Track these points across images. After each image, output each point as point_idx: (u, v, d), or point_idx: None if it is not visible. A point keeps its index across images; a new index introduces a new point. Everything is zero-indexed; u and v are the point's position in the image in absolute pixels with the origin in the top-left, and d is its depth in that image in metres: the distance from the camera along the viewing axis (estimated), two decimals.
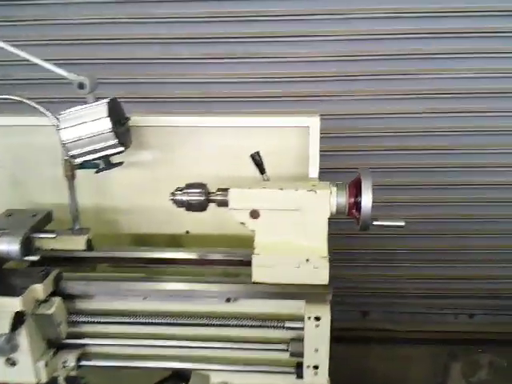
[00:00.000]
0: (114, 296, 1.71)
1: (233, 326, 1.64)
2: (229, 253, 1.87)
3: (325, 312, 1.57)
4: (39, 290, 1.57)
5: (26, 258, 1.57)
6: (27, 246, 1.58)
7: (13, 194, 2.23)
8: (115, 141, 1.82)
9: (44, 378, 1.61)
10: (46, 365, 1.62)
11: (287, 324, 1.62)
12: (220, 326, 1.65)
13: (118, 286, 1.70)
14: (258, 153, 1.79)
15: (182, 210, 1.71)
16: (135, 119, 1.99)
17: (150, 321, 1.68)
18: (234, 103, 3.21)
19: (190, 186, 1.68)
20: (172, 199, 1.69)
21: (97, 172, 1.95)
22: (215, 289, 1.66)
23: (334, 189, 1.62)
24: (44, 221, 1.97)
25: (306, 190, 1.60)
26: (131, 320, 1.69)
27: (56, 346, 1.69)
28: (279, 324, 1.63)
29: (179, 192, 1.68)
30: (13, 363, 1.57)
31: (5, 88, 1.80)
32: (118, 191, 2.24)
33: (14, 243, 1.53)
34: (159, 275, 1.83)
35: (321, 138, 2.00)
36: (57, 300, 1.61)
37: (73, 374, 1.71)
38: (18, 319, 1.47)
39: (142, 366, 1.73)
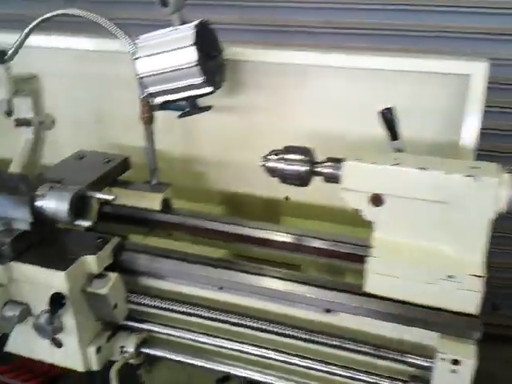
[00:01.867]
0: (183, 280, 1.35)
1: (329, 345, 1.20)
2: (335, 240, 1.40)
3: (467, 354, 1.07)
4: (92, 262, 1.26)
5: (77, 223, 1.25)
6: (81, 206, 1.25)
7: (90, 132, 1.94)
8: (201, 78, 1.40)
9: (95, 365, 1.33)
10: (99, 350, 1.33)
11: (408, 358, 1.15)
12: (313, 341, 1.22)
13: (189, 270, 1.33)
14: (390, 109, 1.26)
15: None
16: (233, 51, 1.54)
17: (224, 318, 1.31)
18: (363, 37, 2.59)
19: (289, 149, 1.22)
20: (263, 165, 1.24)
21: (180, 116, 1.55)
22: (312, 294, 1.22)
23: (507, 176, 1.06)
24: (119, 169, 1.66)
25: (463, 175, 1.06)
26: (202, 313, 1.33)
27: (113, 327, 1.39)
28: (396, 356, 1.16)
29: (274, 157, 1.23)
30: (59, 344, 1.30)
31: (83, 7, 1.40)
32: (206, 141, 1.84)
33: (63, 201, 1.21)
34: (244, 258, 1.45)
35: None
36: (113, 277, 1.29)
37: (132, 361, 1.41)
38: (57, 301, 1.17)
39: (212, 368, 1.37)
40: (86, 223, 1.24)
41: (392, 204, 1.12)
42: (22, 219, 1.24)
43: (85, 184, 1.46)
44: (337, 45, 2.59)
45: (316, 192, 1.67)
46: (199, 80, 1.40)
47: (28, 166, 1.53)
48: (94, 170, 1.59)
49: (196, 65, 1.37)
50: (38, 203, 1.23)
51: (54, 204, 1.22)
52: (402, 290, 1.12)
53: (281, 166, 1.20)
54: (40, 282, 1.23)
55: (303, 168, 1.18)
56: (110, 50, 1.77)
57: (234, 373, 1.34)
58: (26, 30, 1.46)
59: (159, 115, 1.60)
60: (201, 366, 1.37)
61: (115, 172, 1.64)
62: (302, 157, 1.19)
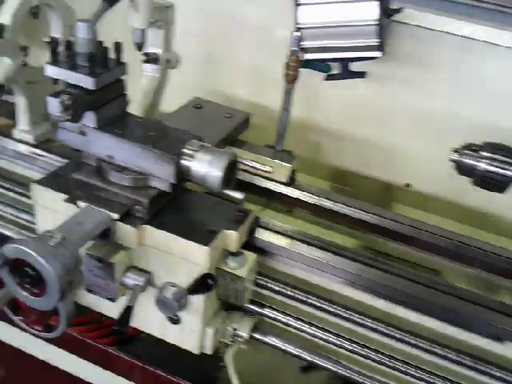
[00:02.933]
0: (314, 269, 1.19)
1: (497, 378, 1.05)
2: (494, 253, 1.23)
3: None
4: (233, 238, 1.09)
5: (228, 192, 1.06)
6: (229, 174, 1.07)
7: (201, 77, 1.73)
8: (377, 40, 1.18)
9: (209, 349, 1.19)
10: (216, 332, 1.18)
11: None
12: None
13: (325, 259, 1.17)
14: None
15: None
16: (408, 13, 1.31)
17: (347, 315, 1.16)
18: None
19: (493, 147, 1.02)
20: (455, 160, 1.05)
21: (327, 79, 1.35)
22: (479, 316, 1.06)
23: None
24: (240, 127, 1.47)
25: None
26: (327, 307, 1.18)
27: (228, 307, 1.24)
28: None
29: (473, 153, 1.03)
30: (175, 321, 1.15)
31: None
32: (327, 108, 1.64)
33: (217, 166, 1.02)
34: (375, 252, 1.28)
35: None
36: (250, 258, 1.13)
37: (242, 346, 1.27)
38: (203, 282, 1.00)
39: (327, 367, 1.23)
40: (237, 195, 1.06)
41: None
42: (162, 178, 1.06)
43: (212, 143, 1.27)
44: None
45: (444, 184, 1.50)
46: (373, 42, 1.18)
47: (149, 109, 1.33)
48: (216, 126, 1.40)
49: (376, 24, 1.16)
50: (185, 163, 1.04)
51: (206, 168, 1.03)
52: None
53: (484, 165, 1.01)
54: (175, 252, 1.06)
55: None
56: None
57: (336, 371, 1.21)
58: None
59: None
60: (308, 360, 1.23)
61: (237, 131, 1.45)
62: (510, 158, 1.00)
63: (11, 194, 1.37)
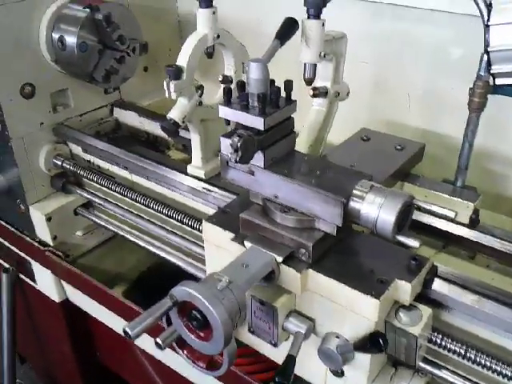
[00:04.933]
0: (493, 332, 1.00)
1: None
2: None
3: None
4: (406, 290, 0.98)
5: (400, 239, 0.96)
6: (405, 216, 0.96)
7: (369, 105, 1.65)
8: None
9: None
10: None
11: None
12: None
13: (505, 323, 0.98)
14: None
15: None
16: None
17: None
18: None
19: None
20: None
21: None
22: None
23: None
24: (413, 160, 1.35)
25: None
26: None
27: (396, 362, 1.12)
28: None
29: None
30: (338, 374, 1.07)
31: None
32: None
33: (390, 210, 0.92)
34: None
35: None
36: (426, 313, 1.00)
37: None
38: (373, 342, 0.91)
39: None
40: (412, 243, 0.95)
41: None
42: (328, 221, 1.00)
43: (381, 178, 1.18)
44: None
45: None
46: None
47: (315, 143, 1.29)
48: (385, 159, 1.29)
49: None
50: (354, 205, 0.97)
51: (376, 211, 0.94)
52: None
53: None
54: (339, 301, 0.99)
55: None
56: (411, 5, 1.43)
57: None
58: None
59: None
60: None
61: (409, 163, 1.33)
62: None
63: (185, 227, 1.44)
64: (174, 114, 1.28)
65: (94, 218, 1.80)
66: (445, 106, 1.55)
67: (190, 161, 1.48)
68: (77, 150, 1.77)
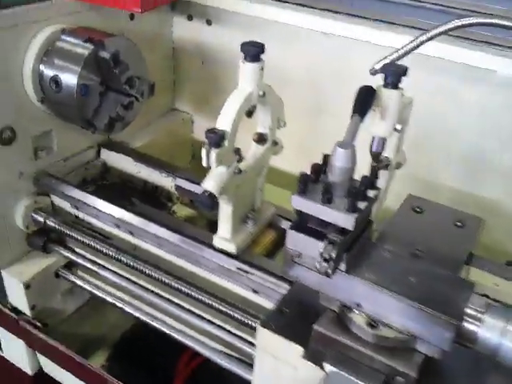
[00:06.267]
0: None
1: None
2: None
3: None
4: None
5: None
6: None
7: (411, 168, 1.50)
8: None
9: None
10: None
11: None
12: None
13: None
14: None
15: None
16: None
17: None
18: None
19: None
20: None
21: None
22: None
23: None
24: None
25: None
26: None
27: None
28: None
29: None
30: None
31: None
32: None
33: None
34: None
35: None
36: None
37: None
38: None
39: None
40: None
41: None
42: (432, 344, 0.82)
43: (453, 267, 1.02)
44: None
45: None
46: None
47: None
48: (451, 241, 1.12)
49: None
50: (469, 328, 0.80)
51: (499, 337, 0.78)
52: None
53: None
54: None
55: None
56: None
57: None
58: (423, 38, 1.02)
59: None
60: None
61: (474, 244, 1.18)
62: None
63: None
64: (211, 186, 1.06)
65: (79, 283, 1.53)
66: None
67: (198, 218, 1.27)
68: (61, 203, 1.49)
